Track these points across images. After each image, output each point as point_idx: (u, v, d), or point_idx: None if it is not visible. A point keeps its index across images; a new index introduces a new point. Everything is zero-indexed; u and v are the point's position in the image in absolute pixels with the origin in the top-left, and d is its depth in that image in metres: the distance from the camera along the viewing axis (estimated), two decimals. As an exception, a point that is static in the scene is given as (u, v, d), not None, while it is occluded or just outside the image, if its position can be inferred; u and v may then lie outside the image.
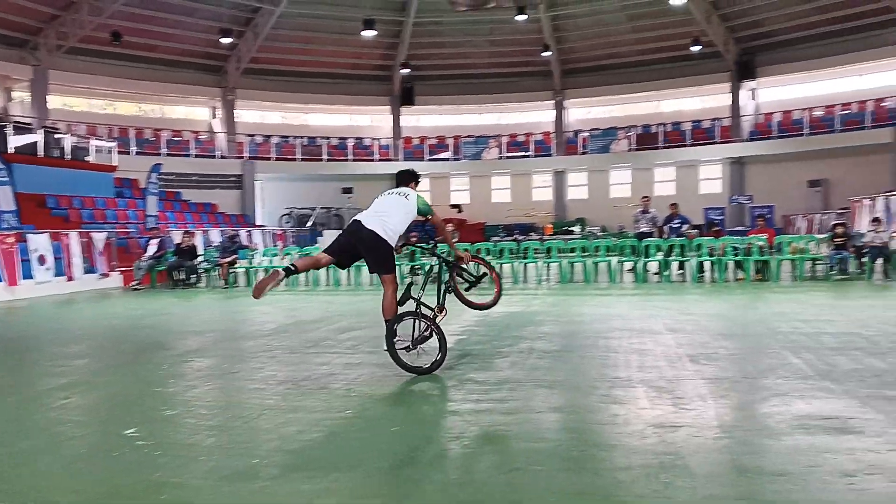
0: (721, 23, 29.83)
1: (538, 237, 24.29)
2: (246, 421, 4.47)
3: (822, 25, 28.50)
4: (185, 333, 9.02)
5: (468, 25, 31.66)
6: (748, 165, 31.15)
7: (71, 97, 29.84)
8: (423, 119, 36.18)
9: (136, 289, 16.16)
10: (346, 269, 15.60)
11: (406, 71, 32.53)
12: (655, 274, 14.81)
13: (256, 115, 34.41)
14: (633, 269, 14.84)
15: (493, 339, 7.36)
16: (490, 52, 33.28)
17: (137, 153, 28.24)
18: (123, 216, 22.82)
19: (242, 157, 31.72)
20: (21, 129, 22.46)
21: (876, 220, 14.57)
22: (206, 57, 30.97)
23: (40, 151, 21.76)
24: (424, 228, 28.39)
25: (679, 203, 16.79)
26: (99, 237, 17.16)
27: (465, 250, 6.48)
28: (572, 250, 16.05)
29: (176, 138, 30.94)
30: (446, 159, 34.11)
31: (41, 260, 15.34)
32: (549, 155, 33.62)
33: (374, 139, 34.61)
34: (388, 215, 5.92)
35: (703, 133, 31.78)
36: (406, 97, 34.01)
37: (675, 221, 15.74)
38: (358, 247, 5.84)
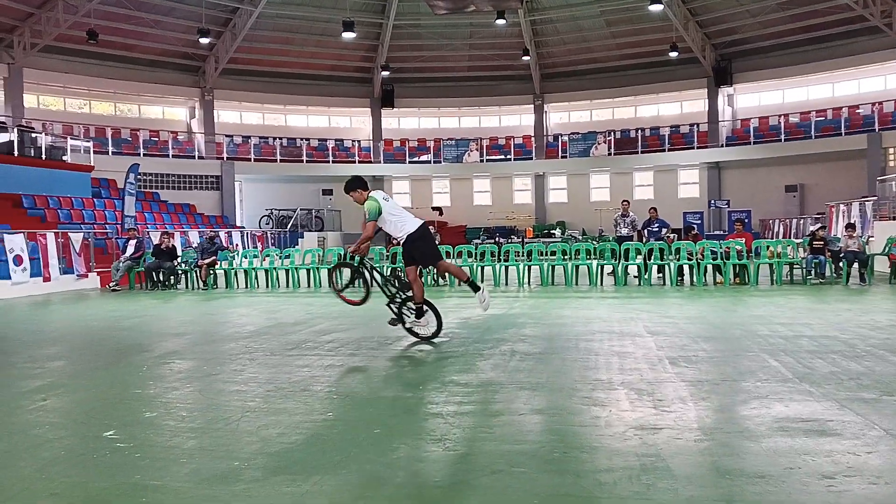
0: (698, 29, 30.18)
1: (519, 240, 24.35)
2: (227, 423, 4.44)
3: (797, 33, 28.94)
4: (164, 335, 8.92)
5: (448, 28, 31.74)
6: (726, 170, 31.52)
7: (47, 96, 29.49)
8: (403, 121, 36.19)
9: (114, 290, 15.99)
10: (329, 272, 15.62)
11: (386, 73, 32.54)
12: (635, 277, 14.91)
13: (235, 115, 34.23)
14: (614, 273, 14.92)
15: (475, 342, 7.37)
16: (470, 56, 33.40)
17: (114, 153, 28.00)
18: (101, 216, 22.58)
19: (221, 158, 31.52)
20: (-5, 127, 22.16)
21: (850, 227, 14.78)
22: (184, 57, 30.76)
23: (15, 151, 21.47)
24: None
25: (658, 207, 16.92)
26: (76, 237, 16.97)
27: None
28: (553, 253, 16.12)
29: (153, 138, 30.69)
30: (427, 162, 34.16)
31: (17, 260, 15.13)
32: (530, 158, 33.80)
33: (354, 141, 34.56)
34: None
35: (681, 138, 32.11)
36: (386, 99, 34.02)
37: (655, 225, 15.86)
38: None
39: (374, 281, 7.56)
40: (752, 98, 32.36)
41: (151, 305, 12.81)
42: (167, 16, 28.23)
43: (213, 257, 16.61)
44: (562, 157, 33.29)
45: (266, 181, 32.92)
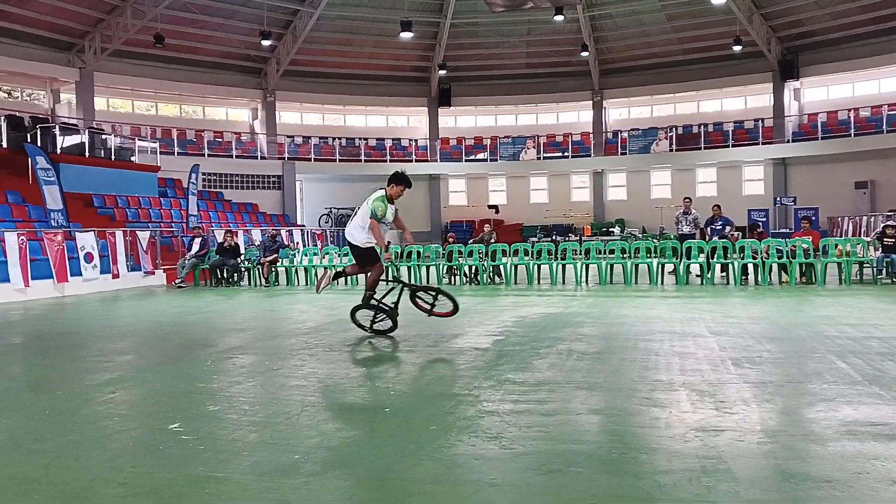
0: (763, 22, 29.30)
1: (577, 238, 24.12)
2: (287, 417, 4.53)
3: (866, 24, 27.84)
4: (227, 331, 9.16)
5: (505, 26, 31.61)
6: (792, 166, 30.56)
7: (116, 98, 30.55)
8: (460, 120, 36.22)
9: (179, 286, 16.47)
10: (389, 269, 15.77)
11: (443, 72, 32.59)
12: (697, 276, 14.62)
13: (296, 116, 34.84)
14: (675, 272, 14.66)
15: (532, 341, 7.33)
16: (527, 53, 33.19)
17: (180, 154, 28.81)
18: (167, 215, 23.29)
19: (283, 158, 32.12)
20: (68, 129, 23.07)
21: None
22: (246, 59, 31.44)
23: (87, 152, 22.30)
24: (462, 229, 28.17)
25: (721, 204, 16.55)
26: (143, 236, 17.54)
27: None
28: (612, 252, 15.92)
29: (217, 139, 31.47)
30: (483, 160, 34.10)
31: (88, 258, 15.72)
32: (588, 155, 33.39)
33: (411, 140, 34.76)
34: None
35: (745, 133, 31.27)
36: (443, 98, 34.08)
37: (718, 223, 15.52)
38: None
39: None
40: (820, 92, 31.27)
41: (215, 302, 13.15)
42: (230, 19, 28.90)
43: (275, 255, 16.96)
44: (621, 153, 32.80)
45: (325, 180, 33.40)
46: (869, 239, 15.20)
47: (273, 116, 32.80)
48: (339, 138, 33.65)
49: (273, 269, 16.75)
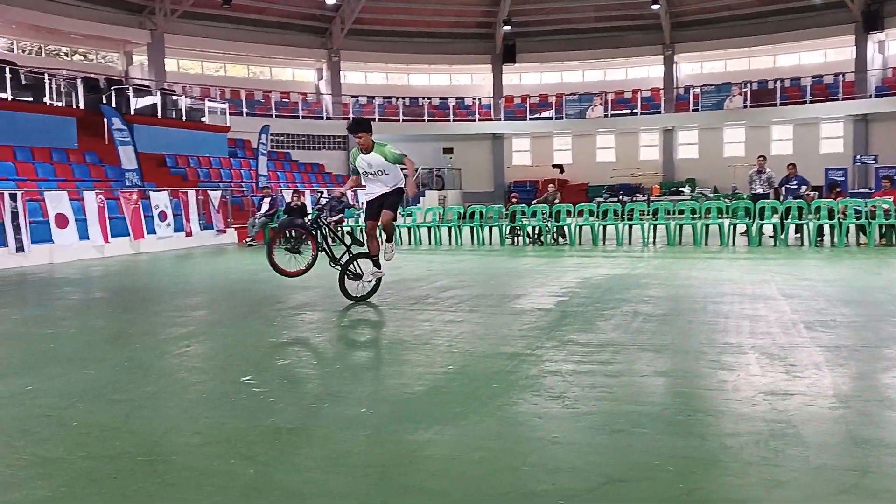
0: (848, -31, 27.72)
1: (644, 198, 23.64)
2: (353, 372, 4.63)
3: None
4: (295, 288, 9.36)
5: (574, -21, 30.79)
6: (874, 123, 29.10)
7: (185, 60, 31.16)
8: (524, 77, 35.64)
9: (250, 245, 16.92)
10: (452, 230, 15.81)
11: (508, 28, 32.02)
12: (770, 237, 14.18)
13: (360, 76, 34.90)
14: (747, 232, 14.25)
15: (596, 302, 7.27)
16: (595, 6, 32.23)
17: (248, 114, 29.29)
18: (237, 175, 23.82)
19: (347, 119, 32.30)
20: (140, 91, 23.69)
21: None
22: (312, 18, 31.55)
23: (159, 113, 22.90)
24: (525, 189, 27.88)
25: (797, 163, 15.93)
26: (215, 195, 18.01)
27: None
28: (681, 212, 15.54)
29: (284, 100, 31.85)
30: (549, 118, 33.57)
31: (162, 216, 16.26)
32: (658, 112, 32.47)
33: (474, 98, 34.44)
34: None
35: (824, 89, 29.85)
36: (508, 55, 33.54)
37: (793, 182, 14.97)
38: None
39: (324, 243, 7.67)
40: (907, 43, 29.55)
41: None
42: (296, -22, 29.01)
43: (341, 215, 17.17)
44: (693, 110, 31.79)
45: (389, 140, 33.17)
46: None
47: (338, 76, 32.95)
48: (403, 98, 33.60)
49: (339, 228, 16.96)
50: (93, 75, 24.01)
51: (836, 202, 13.91)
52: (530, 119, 33.65)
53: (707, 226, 14.57)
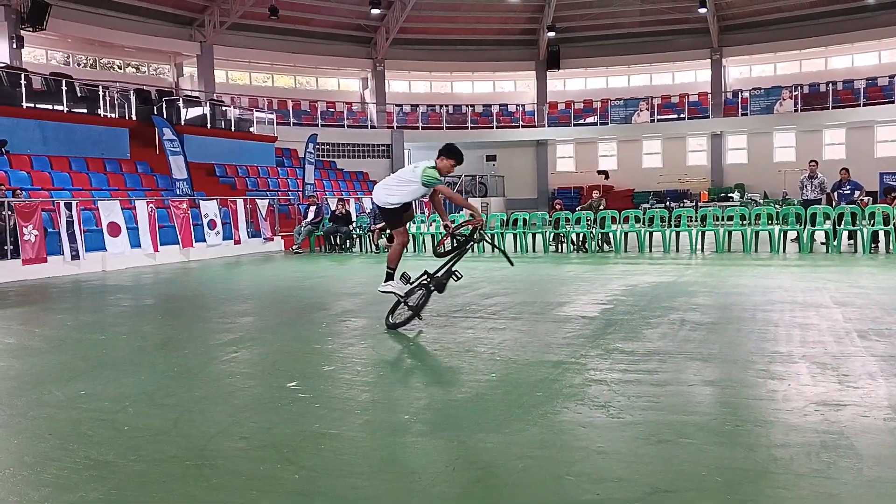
0: (905, -33, 26.92)
1: (692, 204, 23.26)
2: (397, 379, 4.66)
3: None
4: (341, 295, 9.47)
5: (618, -17, 30.54)
6: (934, 126, 28.16)
7: (234, 71, 31.80)
8: (569, 83, 35.45)
9: (296, 252, 17.15)
10: (495, 237, 15.72)
11: (552, 34, 31.88)
12: (823, 244, 13.82)
13: (405, 84, 35.15)
14: (798, 239, 13.92)
15: (642, 310, 7.17)
16: (641, 10, 31.90)
17: (295, 124, 29.73)
18: (284, 184, 24.18)
19: (392, 127, 32.55)
20: (190, 102, 24.25)
21: None
22: (357, 29, 31.90)
23: (208, 123, 23.39)
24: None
25: (850, 168, 15.51)
26: (262, 204, 18.33)
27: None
28: (730, 218, 15.25)
29: (330, 109, 32.25)
30: (593, 124, 33.29)
31: (211, 224, 16.58)
32: (706, 117, 31.94)
33: (518, 105, 34.37)
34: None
35: (878, 91, 28.96)
36: (552, 61, 33.40)
37: (846, 188, 14.57)
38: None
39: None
40: (970, 42, 28.56)
41: (329, 267, 13.61)
42: (341, -11, 29.38)
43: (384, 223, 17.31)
44: (742, 114, 31.18)
45: (433, 148, 33.03)
46: None
47: (382, 86, 33.23)
48: (446, 106, 33.72)
49: (383, 235, 17.11)
50: (145, 87, 24.68)
51: (891, 207, 13.49)
52: (574, 125, 33.42)
53: (757, 232, 14.26)
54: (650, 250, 14.63)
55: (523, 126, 33.29)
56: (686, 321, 6.42)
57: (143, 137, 20.88)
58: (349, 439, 3.52)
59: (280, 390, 4.46)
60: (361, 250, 17.37)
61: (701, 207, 19.07)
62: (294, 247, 17.46)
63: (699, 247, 14.43)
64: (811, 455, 3.09)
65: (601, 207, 16.37)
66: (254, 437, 3.58)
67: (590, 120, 33.46)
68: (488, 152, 32.64)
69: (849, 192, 14.50)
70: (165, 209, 15.82)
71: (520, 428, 3.60)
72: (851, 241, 13.92)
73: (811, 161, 15.77)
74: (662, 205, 22.60)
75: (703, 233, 14.87)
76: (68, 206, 13.34)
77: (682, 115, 32.18)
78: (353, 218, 18.58)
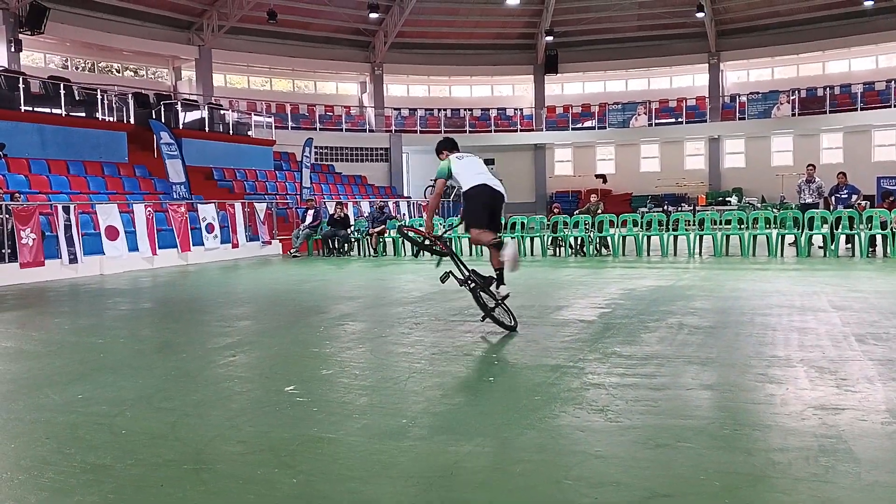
0: (902, -29, 27.02)
1: (690, 208, 23.30)
2: (395, 383, 4.65)
3: None
4: (338, 298, 9.46)
5: (616, -12, 30.62)
6: (930, 130, 28.24)
7: (232, 75, 31.82)
8: (567, 87, 35.53)
9: (294, 256, 17.13)
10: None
11: (550, 38, 31.95)
12: (820, 248, 13.84)
13: (403, 88, 35.20)
14: (796, 243, 13.94)
15: (640, 314, 7.17)
16: (639, 15, 32.02)
17: (293, 128, 29.75)
18: (282, 188, 24.19)
19: (390, 131, 32.58)
20: (189, 105, 24.26)
21: None
22: (355, 33, 31.94)
23: (206, 127, 23.39)
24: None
25: (848, 172, 15.54)
26: (260, 207, 18.31)
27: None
28: (728, 222, 15.27)
29: (328, 113, 32.28)
30: (591, 128, 33.36)
31: (209, 228, 16.57)
32: (704, 121, 32.04)
33: (516, 109, 34.42)
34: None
35: (875, 96, 29.06)
36: (549, 65, 33.48)
37: (844, 192, 14.60)
38: (498, 210, 6.54)
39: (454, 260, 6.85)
40: (966, 47, 28.66)
41: (327, 271, 13.60)
42: (339, -7, 29.43)
43: (383, 226, 17.31)
44: (739, 118, 31.27)
45: (431, 152, 33.21)
46: None
47: (381, 89, 33.27)
48: (445, 109, 33.76)
49: (381, 239, 17.11)
50: (143, 91, 24.70)
51: (889, 212, 13.52)
52: (572, 129, 33.48)
53: (754, 236, 14.29)
54: (648, 254, 14.65)
55: (521, 130, 33.34)
56: (684, 325, 6.42)
57: (142, 141, 20.87)
58: (347, 443, 3.51)
59: (278, 394, 4.45)
60: (359, 254, 17.35)
61: (699, 211, 19.10)
62: (292, 250, 17.44)
63: (697, 251, 14.45)
64: (809, 459, 3.09)
65: (599, 211, 16.39)
66: (251, 441, 3.57)
67: (588, 124, 33.53)
68: (486, 156, 32.64)
69: (846, 196, 14.52)
70: (163, 213, 15.81)
71: (518, 432, 3.59)
72: (849, 245, 13.94)
73: (809, 165, 15.81)
74: (660, 209, 22.60)
75: (701, 237, 14.88)
76: (66, 210, 13.32)
77: (679, 120, 32.26)
78: (352, 222, 18.57)
